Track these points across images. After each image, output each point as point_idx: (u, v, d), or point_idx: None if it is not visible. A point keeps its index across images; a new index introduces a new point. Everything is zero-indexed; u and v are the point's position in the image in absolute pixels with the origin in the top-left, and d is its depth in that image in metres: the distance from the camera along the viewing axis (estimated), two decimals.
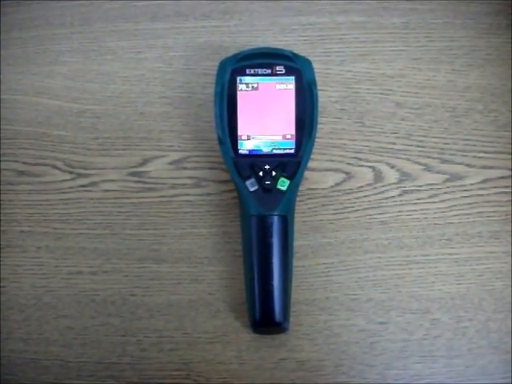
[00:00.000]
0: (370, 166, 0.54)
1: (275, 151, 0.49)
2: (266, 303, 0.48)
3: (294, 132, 0.49)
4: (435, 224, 0.53)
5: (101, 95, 0.56)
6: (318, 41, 0.57)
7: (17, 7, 0.59)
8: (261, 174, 0.48)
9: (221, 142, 0.49)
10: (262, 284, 0.48)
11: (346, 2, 0.59)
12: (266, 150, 0.49)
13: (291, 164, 0.49)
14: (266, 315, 0.48)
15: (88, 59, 0.57)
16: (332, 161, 0.55)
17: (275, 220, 0.48)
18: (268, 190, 0.48)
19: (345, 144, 0.55)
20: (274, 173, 0.48)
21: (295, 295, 0.51)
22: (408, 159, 0.55)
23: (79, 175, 0.55)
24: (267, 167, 0.48)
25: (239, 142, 0.49)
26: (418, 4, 0.59)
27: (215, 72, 0.51)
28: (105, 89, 0.57)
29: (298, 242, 0.52)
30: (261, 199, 0.48)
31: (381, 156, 0.55)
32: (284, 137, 0.49)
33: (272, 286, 0.48)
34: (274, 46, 0.56)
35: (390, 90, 0.56)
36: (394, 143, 0.55)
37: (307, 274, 0.52)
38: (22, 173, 0.55)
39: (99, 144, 0.55)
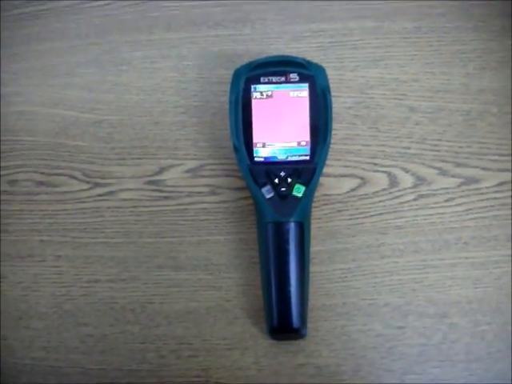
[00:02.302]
0: (384, 171, 0.55)
1: (290, 158, 0.49)
2: (284, 309, 0.48)
3: (308, 139, 0.49)
4: (451, 228, 0.53)
5: (116, 105, 0.57)
6: (330, 47, 0.58)
7: (34, 20, 0.60)
8: (276, 180, 0.49)
9: (236, 149, 0.49)
10: (280, 290, 0.48)
11: (358, 7, 0.59)
12: (281, 157, 0.50)
13: (306, 170, 0.49)
14: (283, 322, 0.48)
15: (103, 70, 0.58)
16: (347, 166, 0.55)
17: (291, 226, 0.48)
18: (284, 197, 0.48)
19: (359, 149, 0.55)
20: (289, 179, 0.49)
21: (312, 301, 0.51)
22: (423, 163, 0.55)
23: (97, 184, 0.56)
24: (283, 174, 0.49)
25: (254, 149, 0.49)
26: (429, 8, 0.59)
27: (229, 80, 0.51)
28: (120, 99, 0.57)
29: (314, 248, 0.52)
30: (277, 206, 0.48)
31: (395, 161, 0.55)
32: (299, 144, 0.50)
33: (289, 292, 0.48)
34: (287, 53, 0.57)
35: (404, 95, 0.56)
36: (408, 148, 0.55)
37: (324, 279, 0.52)
38: (41, 183, 0.56)
39: (116, 153, 0.56)
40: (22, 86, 0.58)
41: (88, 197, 0.55)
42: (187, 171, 0.55)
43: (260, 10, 0.59)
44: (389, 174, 0.55)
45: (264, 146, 0.50)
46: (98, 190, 0.55)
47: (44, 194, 0.56)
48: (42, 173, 0.56)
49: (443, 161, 0.55)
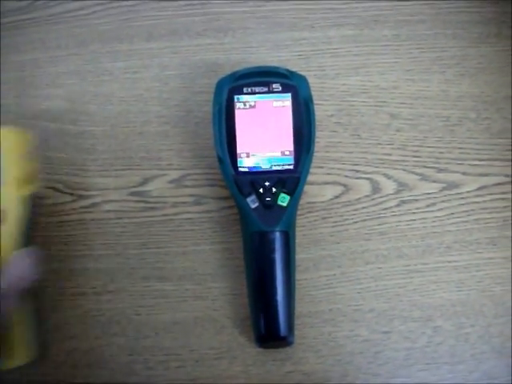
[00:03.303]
0: (367, 178, 0.55)
1: (274, 167, 0.50)
2: (271, 318, 0.48)
3: (292, 148, 0.50)
4: (434, 232, 0.54)
5: (99, 116, 0.57)
6: (311, 55, 0.58)
7: (13, 31, 0.60)
8: (261, 190, 0.49)
9: (220, 160, 0.49)
10: (266, 299, 0.48)
11: (337, 15, 0.60)
12: (265, 166, 0.50)
13: (291, 180, 0.49)
14: (270, 330, 0.48)
15: (85, 81, 0.58)
16: (330, 174, 0.55)
17: (277, 236, 0.48)
18: (269, 207, 0.49)
19: (342, 157, 0.56)
20: (274, 189, 0.49)
21: (299, 308, 0.51)
22: (404, 169, 0.56)
23: (80, 197, 0.55)
24: (267, 184, 0.49)
25: (239, 159, 0.50)
26: (408, 15, 0.60)
27: (211, 90, 0.52)
28: (102, 110, 0.57)
29: (299, 256, 0.52)
30: (262, 216, 0.49)
31: (377, 167, 0.56)
32: (283, 153, 0.50)
33: (276, 301, 0.48)
34: (269, 62, 0.57)
35: (384, 102, 0.57)
36: (389, 154, 0.56)
37: (310, 286, 0.53)
38: None
39: (99, 165, 0.56)
40: (2, 98, 0.58)
41: (72, 209, 0.55)
42: (171, 181, 0.55)
43: (241, 19, 0.59)
44: (371, 180, 0.55)
45: (248, 156, 0.50)
46: (82, 202, 0.55)
47: None
48: None
49: (424, 166, 0.56)
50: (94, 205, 0.55)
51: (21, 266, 0.44)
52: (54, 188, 0.56)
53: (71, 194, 0.55)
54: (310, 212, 0.54)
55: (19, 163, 0.48)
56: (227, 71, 0.55)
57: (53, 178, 0.56)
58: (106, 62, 0.59)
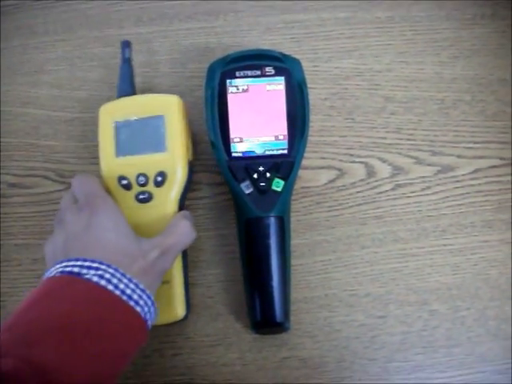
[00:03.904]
0: (362, 162, 0.55)
1: (268, 152, 0.49)
2: (267, 304, 0.48)
3: (286, 132, 0.49)
4: (429, 216, 0.54)
5: (88, 103, 0.56)
6: (304, 38, 0.58)
7: (0, 17, 0.58)
8: (255, 176, 0.48)
9: (213, 145, 0.49)
10: (262, 285, 0.48)
11: None
12: (258, 151, 0.49)
13: (285, 164, 0.49)
14: (267, 316, 0.48)
15: (73, 66, 0.57)
16: (324, 158, 0.55)
17: (272, 221, 0.48)
18: (263, 192, 0.48)
19: (336, 141, 0.55)
20: (268, 174, 0.48)
21: (294, 294, 0.51)
22: (399, 153, 0.55)
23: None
24: (261, 169, 0.48)
25: (232, 144, 0.49)
26: None
27: (202, 74, 0.51)
28: (92, 96, 0.56)
29: (294, 241, 0.52)
30: (256, 201, 0.48)
31: (372, 151, 0.55)
32: (276, 138, 0.49)
33: (272, 287, 0.48)
34: (261, 45, 0.57)
35: (379, 85, 0.57)
36: (384, 138, 0.55)
37: (305, 272, 0.52)
38: (13, 185, 0.55)
39: (89, 152, 0.55)
40: None
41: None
42: None
43: (232, 2, 0.58)
44: (366, 164, 0.55)
45: (241, 140, 0.49)
46: None
47: (17, 196, 0.55)
48: (15, 174, 0.55)
49: (419, 150, 0.55)
50: None
51: (183, 226, 0.46)
52: (44, 176, 0.55)
53: (62, 183, 0.55)
54: (304, 197, 0.54)
55: (183, 130, 0.49)
56: (218, 55, 0.54)
57: (43, 167, 0.55)
58: (95, 47, 0.58)
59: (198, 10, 0.58)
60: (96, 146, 0.55)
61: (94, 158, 0.54)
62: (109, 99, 0.55)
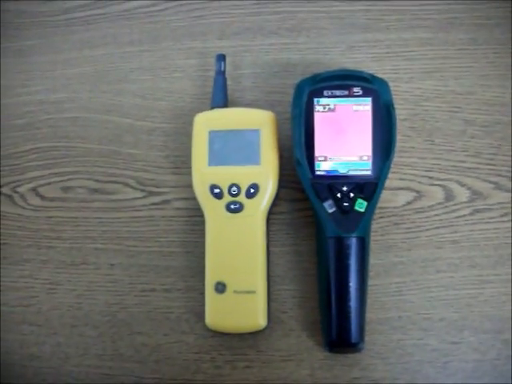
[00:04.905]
0: (440, 185, 0.54)
1: (351, 172, 0.49)
2: (343, 324, 0.48)
3: (370, 153, 0.49)
4: (506, 243, 0.53)
5: (170, 113, 0.57)
6: (385, 58, 0.57)
7: (86, 26, 0.60)
8: (339, 195, 0.48)
9: (298, 163, 0.49)
10: (339, 305, 0.48)
11: (412, 17, 0.59)
12: (342, 171, 0.49)
13: (368, 185, 0.49)
14: (342, 336, 0.48)
15: (157, 77, 0.58)
16: (403, 179, 0.55)
17: (353, 242, 0.48)
18: (346, 212, 0.48)
19: (415, 162, 0.55)
20: (351, 194, 0.48)
21: (368, 314, 0.51)
22: (478, 177, 0.55)
23: (151, 193, 0.56)
24: (345, 189, 0.49)
25: (316, 163, 0.49)
26: (484, 19, 0.58)
27: (284, 90, 0.52)
28: (174, 107, 0.57)
29: (370, 261, 0.52)
30: (339, 221, 0.48)
31: (451, 174, 0.55)
32: (360, 158, 0.49)
33: (350, 307, 0.48)
34: (343, 63, 0.57)
35: (459, 108, 0.56)
36: (463, 161, 0.55)
37: (380, 292, 0.52)
38: (95, 190, 0.56)
39: (170, 162, 0.56)
40: (75, 92, 0.58)
41: (142, 205, 0.55)
42: None
43: (315, 19, 0.59)
44: (444, 187, 0.54)
45: (326, 159, 0.49)
46: (153, 199, 0.55)
47: (98, 201, 0.56)
48: (96, 180, 0.56)
49: (499, 175, 0.55)
50: (164, 202, 0.55)
51: None
52: (124, 183, 0.56)
53: (142, 191, 0.56)
54: (381, 217, 0.54)
55: (274, 144, 0.51)
56: (300, 71, 0.55)
57: (124, 174, 0.56)
58: (178, 58, 0.59)
59: (282, 26, 0.58)
60: (177, 156, 0.56)
61: (175, 168, 0.56)
62: (191, 111, 0.57)
